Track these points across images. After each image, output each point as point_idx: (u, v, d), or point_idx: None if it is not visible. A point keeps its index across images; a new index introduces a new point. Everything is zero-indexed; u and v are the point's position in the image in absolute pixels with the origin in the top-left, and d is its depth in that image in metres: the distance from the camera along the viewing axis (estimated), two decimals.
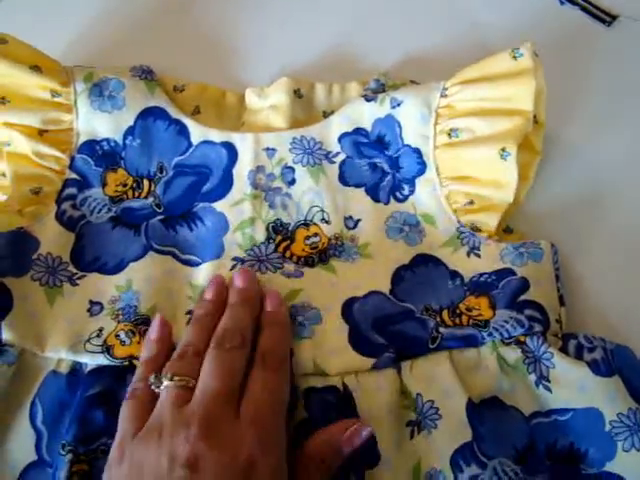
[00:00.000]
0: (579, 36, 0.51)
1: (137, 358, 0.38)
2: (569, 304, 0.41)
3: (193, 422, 0.33)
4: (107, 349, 0.39)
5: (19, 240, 0.41)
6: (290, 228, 0.43)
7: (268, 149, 0.44)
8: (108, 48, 0.51)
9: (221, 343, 0.36)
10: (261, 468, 0.32)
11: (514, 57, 0.41)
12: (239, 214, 0.43)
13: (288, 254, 0.42)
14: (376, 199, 0.44)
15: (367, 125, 0.45)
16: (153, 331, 0.39)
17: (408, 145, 0.44)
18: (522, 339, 0.38)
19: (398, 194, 0.44)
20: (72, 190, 0.43)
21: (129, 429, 0.34)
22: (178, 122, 0.45)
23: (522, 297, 0.39)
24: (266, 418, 0.34)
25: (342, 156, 0.45)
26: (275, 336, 0.38)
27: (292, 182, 0.44)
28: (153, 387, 0.36)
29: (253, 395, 0.35)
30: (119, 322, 0.40)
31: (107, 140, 0.45)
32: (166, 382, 0.35)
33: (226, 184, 0.44)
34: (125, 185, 0.44)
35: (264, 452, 0.33)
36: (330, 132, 0.45)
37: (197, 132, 0.45)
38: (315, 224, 0.43)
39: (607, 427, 0.36)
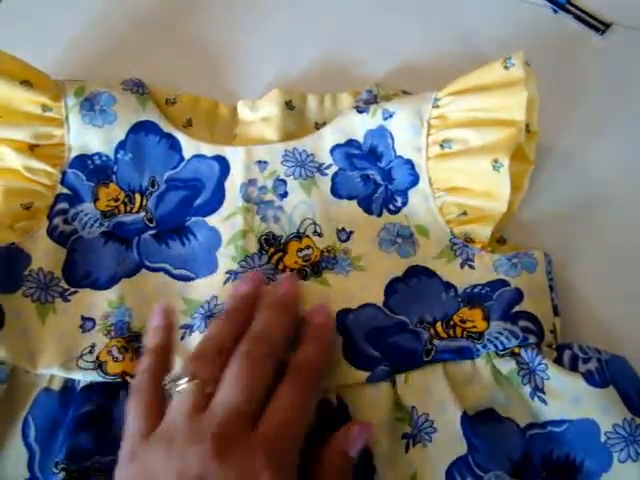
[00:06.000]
0: (573, 44, 0.51)
1: (130, 375, 0.38)
2: (563, 314, 0.40)
3: (207, 436, 0.31)
4: (99, 365, 0.38)
5: (10, 256, 0.41)
6: (282, 241, 0.42)
7: (260, 162, 0.44)
8: (100, 60, 0.51)
9: (250, 350, 0.35)
10: None
11: (505, 67, 0.41)
12: (231, 228, 0.43)
13: (281, 266, 0.42)
14: (369, 211, 0.43)
15: (359, 137, 0.45)
16: (157, 318, 0.38)
17: (400, 156, 0.44)
18: (516, 351, 0.38)
19: (391, 206, 0.44)
20: (64, 205, 0.43)
21: (139, 427, 0.33)
22: (170, 136, 0.45)
23: (516, 308, 0.39)
24: (283, 440, 0.33)
25: (334, 168, 0.44)
26: (317, 352, 0.37)
27: (284, 195, 0.44)
28: (167, 387, 0.34)
29: (277, 412, 0.33)
30: (111, 338, 0.39)
31: (99, 154, 0.44)
32: (183, 385, 0.33)
33: (218, 197, 0.43)
34: (117, 200, 0.44)
35: (273, 473, 0.31)
36: (322, 144, 0.45)
37: (189, 146, 0.45)
38: (307, 237, 0.43)
39: (603, 438, 0.35)
